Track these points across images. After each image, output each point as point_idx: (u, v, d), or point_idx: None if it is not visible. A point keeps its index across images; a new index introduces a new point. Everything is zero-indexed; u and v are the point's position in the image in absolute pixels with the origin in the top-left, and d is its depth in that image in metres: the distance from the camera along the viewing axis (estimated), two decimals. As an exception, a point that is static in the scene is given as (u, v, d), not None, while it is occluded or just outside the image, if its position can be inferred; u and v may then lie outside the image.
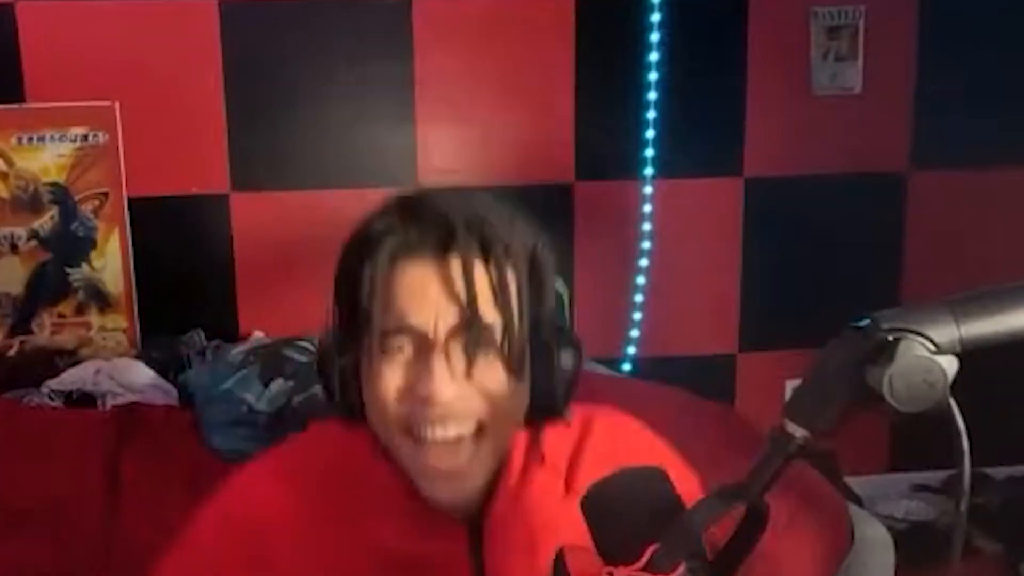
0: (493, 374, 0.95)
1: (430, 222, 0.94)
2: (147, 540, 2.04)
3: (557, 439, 1.05)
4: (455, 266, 0.93)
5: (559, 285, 1.03)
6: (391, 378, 0.94)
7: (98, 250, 2.74)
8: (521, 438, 1.03)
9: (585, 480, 0.95)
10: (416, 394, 0.93)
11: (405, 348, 0.94)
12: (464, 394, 0.94)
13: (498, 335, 0.94)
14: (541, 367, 0.97)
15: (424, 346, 0.93)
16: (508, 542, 1.01)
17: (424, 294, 0.93)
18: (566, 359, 0.99)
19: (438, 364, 0.92)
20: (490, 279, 0.94)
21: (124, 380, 2.49)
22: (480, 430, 0.96)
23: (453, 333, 0.93)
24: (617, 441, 1.07)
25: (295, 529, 1.01)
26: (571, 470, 1.04)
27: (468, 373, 0.94)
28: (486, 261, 0.94)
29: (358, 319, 0.95)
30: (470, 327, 0.93)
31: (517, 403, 0.98)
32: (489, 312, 0.93)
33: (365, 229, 0.98)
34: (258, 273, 2.84)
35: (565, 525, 0.94)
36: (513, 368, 0.95)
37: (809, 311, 2.87)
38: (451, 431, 0.94)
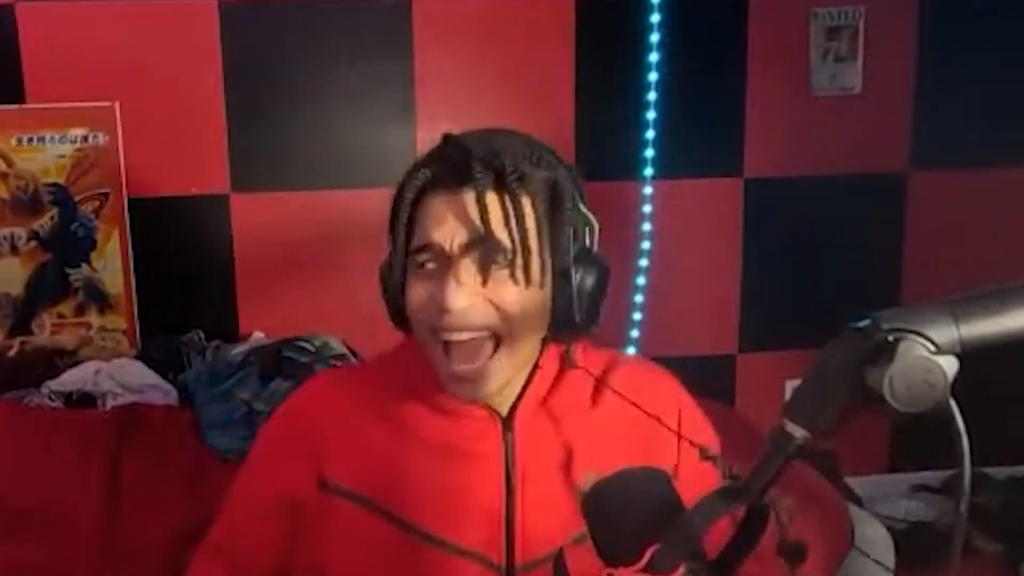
0: (505, 288, 1.08)
1: (451, 159, 1.11)
2: (147, 540, 2.06)
3: (590, 358, 1.20)
4: (469, 194, 1.07)
5: (588, 214, 1.15)
6: (417, 290, 1.11)
7: (98, 250, 2.74)
8: (553, 351, 1.17)
9: (611, 396, 1.17)
10: (435, 302, 1.08)
11: (429, 266, 1.10)
12: (477, 304, 1.08)
13: (509, 254, 1.07)
14: (562, 285, 1.10)
15: (443, 262, 1.09)
16: (534, 438, 1.15)
17: (443, 218, 1.09)
18: (588, 279, 1.11)
19: (451, 276, 1.07)
20: (502, 205, 1.07)
21: (124, 380, 2.49)
22: (496, 338, 1.10)
23: (466, 250, 1.07)
24: (644, 373, 1.24)
25: (348, 424, 1.17)
26: (598, 384, 1.19)
27: (482, 286, 1.08)
28: (499, 190, 1.08)
29: (395, 245, 1.13)
30: (480, 245, 1.06)
31: (533, 316, 1.10)
32: (500, 233, 1.07)
33: (410, 168, 1.15)
34: (258, 273, 2.84)
35: (589, 429, 1.16)
36: (525, 282, 1.08)
37: (809, 311, 2.86)
38: (465, 335, 1.09)
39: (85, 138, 2.69)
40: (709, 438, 1.19)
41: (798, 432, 0.77)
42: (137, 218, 2.75)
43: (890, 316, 0.74)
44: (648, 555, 0.80)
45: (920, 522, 2.93)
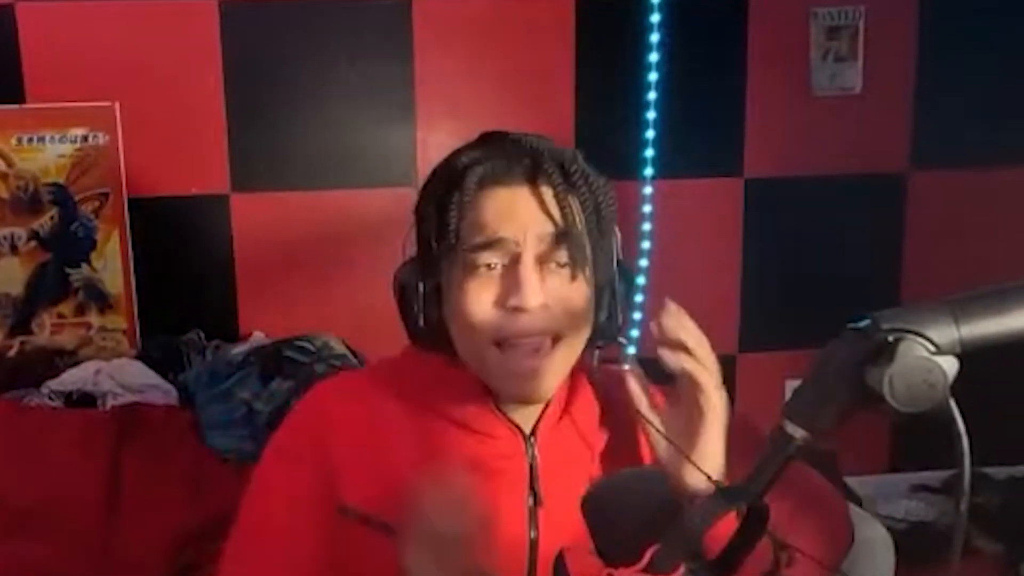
0: (574, 287, 1.05)
1: (515, 154, 1.06)
2: (147, 540, 2.06)
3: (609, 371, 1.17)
4: (544, 189, 1.04)
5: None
6: (480, 291, 1.04)
7: (98, 250, 2.74)
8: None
9: (617, 403, 1.12)
10: (507, 303, 1.03)
11: (493, 264, 1.04)
12: (548, 303, 1.04)
13: (577, 252, 1.04)
14: (604, 291, 1.10)
15: (514, 259, 1.03)
16: (557, 453, 1.12)
17: (513, 213, 1.04)
18: (623, 286, 1.11)
19: (529, 274, 1.03)
20: (571, 204, 1.04)
21: (124, 380, 2.49)
22: (557, 337, 1.06)
23: (541, 247, 1.04)
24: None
25: (363, 446, 1.11)
26: (608, 394, 1.16)
27: (553, 285, 1.04)
28: (568, 188, 1.05)
29: (443, 244, 1.05)
30: (559, 242, 1.03)
31: (587, 317, 1.08)
32: (567, 236, 1.04)
33: (450, 163, 1.09)
34: (258, 273, 2.84)
35: (598, 440, 1.14)
36: (586, 281, 1.06)
37: (809, 311, 2.86)
38: (536, 336, 1.05)
39: (85, 138, 2.69)
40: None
41: (798, 432, 0.77)
42: (137, 218, 2.74)
43: (890, 316, 0.74)
44: (648, 555, 0.80)
45: (920, 522, 2.93)
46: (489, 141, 1.11)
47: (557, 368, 1.07)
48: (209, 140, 2.76)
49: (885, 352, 0.72)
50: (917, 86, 3.02)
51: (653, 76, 2.88)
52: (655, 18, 2.86)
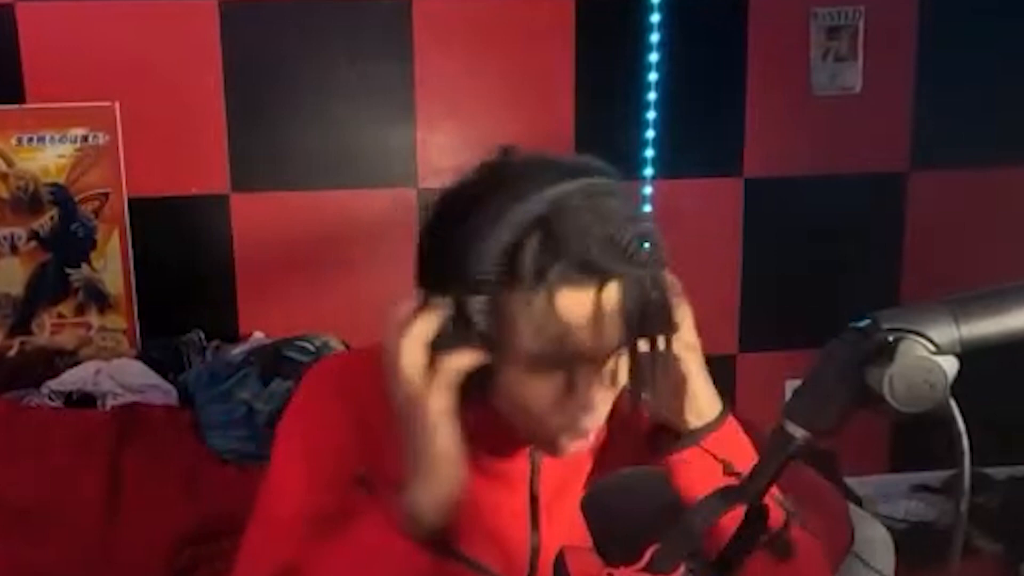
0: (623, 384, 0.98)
1: (594, 246, 0.88)
2: (146, 540, 2.06)
3: None
4: (614, 290, 0.91)
5: None
6: (544, 394, 0.95)
7: (98, 250, 2.74)
8: None
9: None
10: (571, 412, 0.95)
11: (556, 370, 0.94)
12: (608, 405, 0.99)
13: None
14: None
15: (584, 368, 0.94)
16: (551, 476, 1.09)
17: (583, 320, 0.90)
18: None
19: (600, 388, 0.95)
20: (642, 299, 0.93)
21: (124, 380, 2.49)
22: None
23: (612, 356, 0.95)
24: None
25: (368, 441, 1.03)
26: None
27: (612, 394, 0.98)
28: (639, 276, 0.92)
29: (498, 338, 0.91)
30: (631, 353, 0.95)
31: None
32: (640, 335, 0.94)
33: (505, 255, 0.88)
34: (258, 273, 2.84)
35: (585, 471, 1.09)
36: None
37: (809, 311, 2.87)
38: (591, 437, 1.00)
39: (85, 138, 2.69)
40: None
41: (798, 432, 0.77)
42: (137, 218, 2.74)
43: (890, 316, 0.74)
44: (648, 555, 0.80)
45: (920, 522, 2.93)
46: (545, 225, 0.88)
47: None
48: (209, 140, 2.76)
49: (885, 352, 0.72)
50: (917, 86, 3.02)
51: (653, 76, 2.88)
52: (655, 18, 2.86)
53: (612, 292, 0.91)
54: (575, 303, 0.90)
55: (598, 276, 0.89)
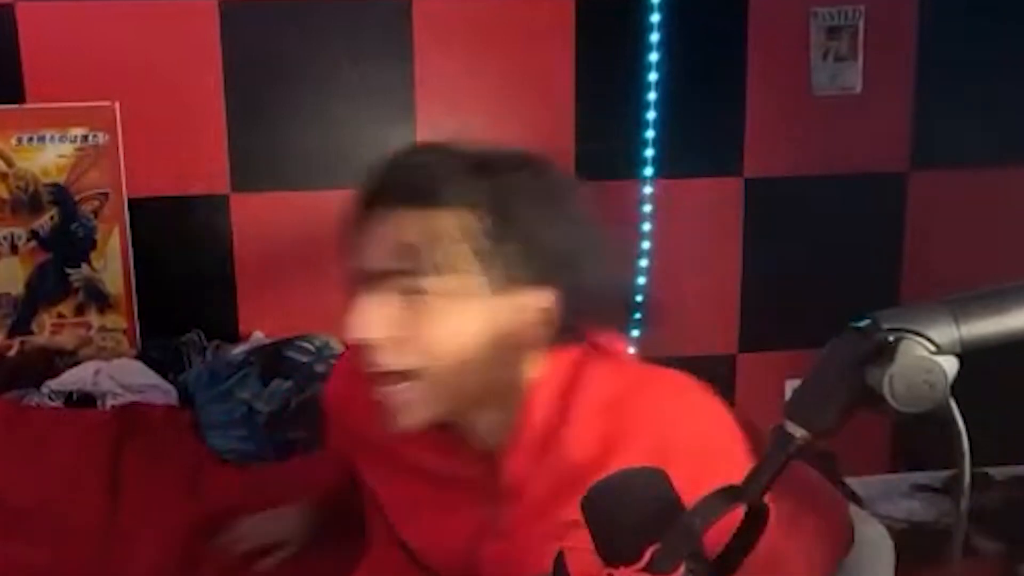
0: (427, 317, 1.00)
1: (376, 180, 1.05)
2: (147, 540, 2.05)
3: (599, 386, 1.06)
4: (388, 217, 1.01)
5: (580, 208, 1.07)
6: (351, 316, 1.04)
7: (98, 250, 2.74)
8: (552, 378, 1.05)
9: (631, 450, 0.97)
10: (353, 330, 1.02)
11: (359, 292, 1.04)
12: (395, 335, 1.01)
13: (431, 277, 0.99)
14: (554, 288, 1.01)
15: (359, 288, 1.03)
16: (527, 500, 1.04)
17: (360, 240, 1.05)
18: (569, 277, 1.02)
19: (364, 304, 1.02)
20: (421, 229, 0.99)
21: (124, 380, 2.49)
22: (416, 371, 1.01)
23: (383, 277, 1.02)
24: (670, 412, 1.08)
25: (370, 435, 1.13)
26: (614, 436, 1.03)
27: (398, 315, 1.01)
28: (421, 210, 1.00)
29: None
30: (397, 273, 1.00)
31: (462, 347, 1.01)
32: (418, 259, 0.99)
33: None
34: (258, 273, 2.84)
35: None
36: (455, 307, 1.00)
37: (809, 311, 2.87)
38: (382, 368, 1.02)
39: (85, 138, 2.69)
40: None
41: (798, 432, 0.77)
42: (137, 218, 2.74)
43: (890, 316, 0.74)
44: (648, 555, 0.80)
45: (920, 522, 2.93)
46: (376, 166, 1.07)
47: (425, 402, 1.03)
48: (209, 140, 2.76)
49: (885, 352, 0.72)
50: (917, 86, 3.02)
51: (653, 76, 2.88)
52: (655, 18, 2.86)
53: (384, 219, 1.02)
54: (364, 223, 1.04)
55: (372, 204, 1.04)
